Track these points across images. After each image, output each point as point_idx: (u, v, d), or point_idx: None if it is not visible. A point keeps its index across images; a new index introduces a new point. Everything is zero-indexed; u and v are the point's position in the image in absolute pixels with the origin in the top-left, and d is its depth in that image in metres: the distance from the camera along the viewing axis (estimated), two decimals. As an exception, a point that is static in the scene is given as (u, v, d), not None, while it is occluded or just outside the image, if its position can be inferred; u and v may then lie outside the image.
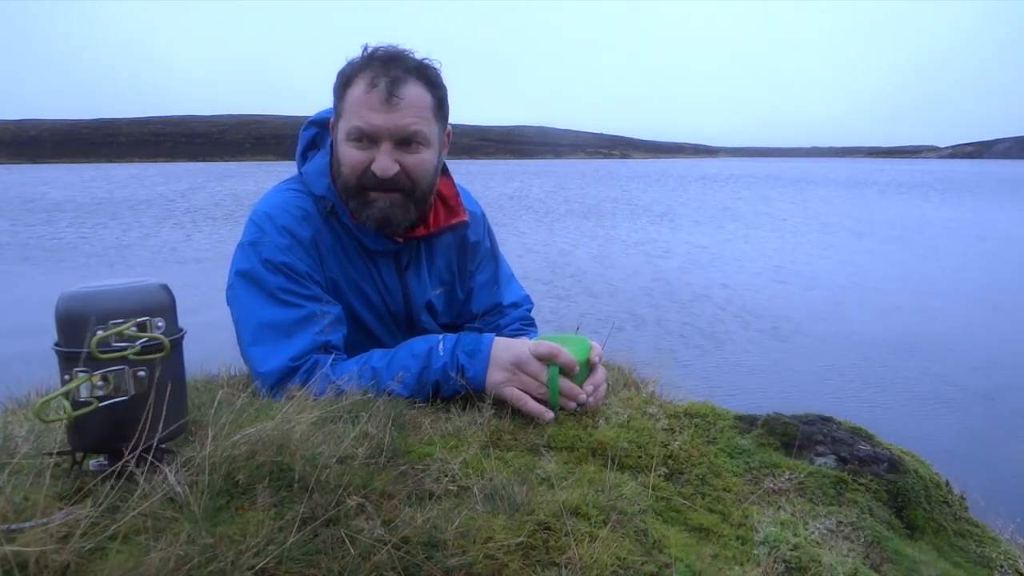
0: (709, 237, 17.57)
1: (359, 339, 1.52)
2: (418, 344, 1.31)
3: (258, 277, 1.37)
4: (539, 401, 1.22)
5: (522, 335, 1.72)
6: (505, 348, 1.25)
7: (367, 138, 1.40)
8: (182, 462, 0.81)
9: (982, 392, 6.09)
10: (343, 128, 1.42)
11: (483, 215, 1.76)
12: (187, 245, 15.44)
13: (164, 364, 0.81)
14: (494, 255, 1.81)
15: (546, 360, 1.22)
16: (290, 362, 1.30)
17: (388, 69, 1.39)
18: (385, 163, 1.39)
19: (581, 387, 1.25)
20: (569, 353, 1.23)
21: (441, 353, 1.27)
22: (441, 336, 1.31)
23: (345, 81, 1.42)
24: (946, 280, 11.61)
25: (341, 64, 1.45)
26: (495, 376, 1.23)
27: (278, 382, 1.29)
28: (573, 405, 1.24)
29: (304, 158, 1.55)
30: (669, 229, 19.40)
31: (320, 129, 1.57)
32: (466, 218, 1.61)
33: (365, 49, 1.42)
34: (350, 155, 1.41)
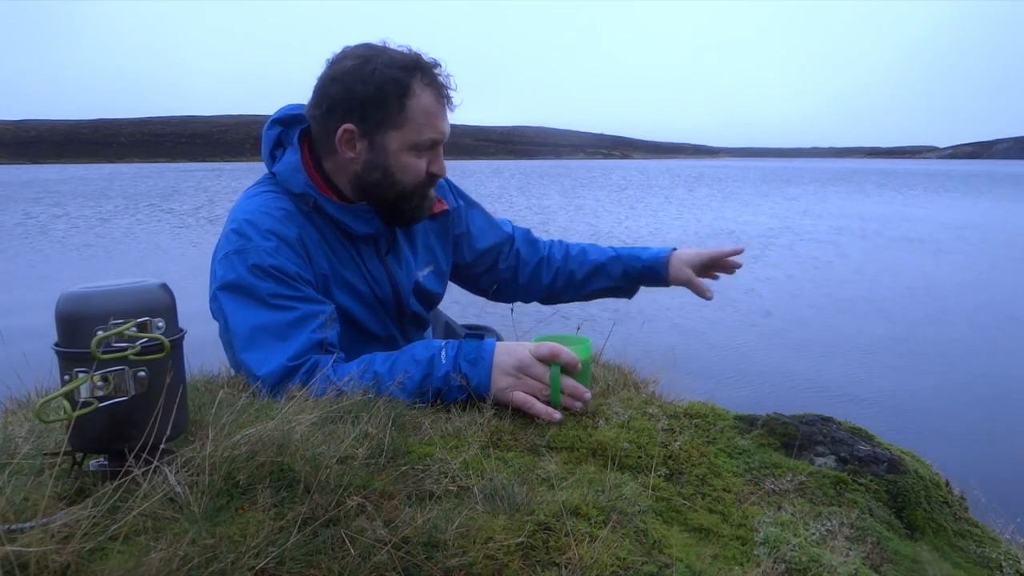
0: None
1: (350, 333, 1.51)
2: (420, 350, 1.30)
3: (247, 286, 1.35)
4: (544, 402, 1.22)
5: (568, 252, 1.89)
6: (507, 353, 1.25)
7: (435, 146, 1.49)
8: (182, 462, 0.81)
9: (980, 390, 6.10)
10: (405, 140, 1.45)
11: (447, 181, 1.79)
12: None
13: (164, 364, 0.82)
14: (472, 203, 1.87)
15: (548, 361, 1.22)
16: (288, 362, 1.29)
17: (437, 75, 1.46)
18: (444, 164, 1.53)
19: (585, 386, 1.25)
20: (571, 352, 1.23)
21: (443, 362, 1.26)
22: (443, 343, 1.30)
23: (404, 91, 1.42)
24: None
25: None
26: (499, 382, 1.23)
27: (278, 383, 1.28)
28: (579, 405, 1.24)
29: (272, 158, 1.54)
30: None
31: (284, 128, 1.56)
32: (447, 207, 1.70)
33: (412, 56, 1.45)
34: (415, 165, 1.48)
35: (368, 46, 1.47)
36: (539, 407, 1.21)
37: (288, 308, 1.35)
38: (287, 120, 1.56)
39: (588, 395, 1.24)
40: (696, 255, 1.81)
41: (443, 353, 1.28)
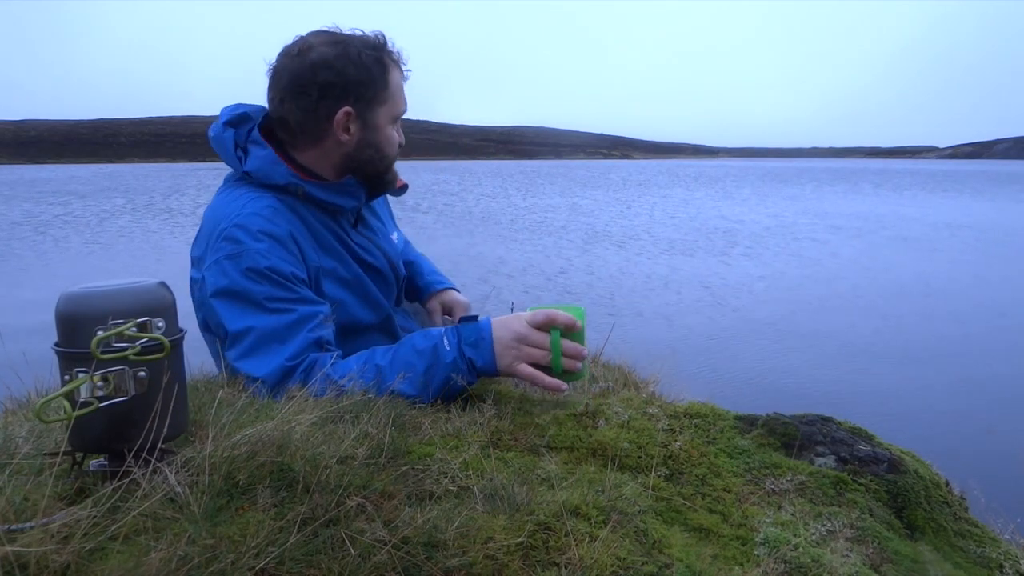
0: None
1: (344, 326, 1.50)
2: (420, 340, 1.30)
3: (242, 290, 1.33)
4: (546, 370, 1.27)
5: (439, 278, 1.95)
6: (504, 328, 1.28)
7: (402, 116, 1.58)
8: (182, 462, 0.81)
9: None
10: (390, 113, 1.53)
11: None
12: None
13: (164, 364, 0.81)
14: None
15: (545, 327, 1.25)
16: (286, 361, 1.29)
17: (398, 54, 1.54)
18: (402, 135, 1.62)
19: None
20: (567, 313, 1.26)
21: (448, 348, 1.28)
22: (442, 331, 1.31)
23: (384, 69, 1.49)
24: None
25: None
26: (503, 358, 1.27)
27: (278, 383, 1.27)
28: (579, 365, 1.28)
29: (237, 159, 1.51)
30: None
31: (235, 129, 1.53)
32: (405, 183, 1.76)
33: (378, 36, 1.51)
34: (394, 136, 1.56)
35: (329, 32, 1.49)
36: (547, 380, 1.25)
37: (285, 311, 1.33)
38: (235, 120, 1.53)
39: (586, 351, 1.29)
40: (452, 300, 1.89)
41: (445, 340, 1.29)
